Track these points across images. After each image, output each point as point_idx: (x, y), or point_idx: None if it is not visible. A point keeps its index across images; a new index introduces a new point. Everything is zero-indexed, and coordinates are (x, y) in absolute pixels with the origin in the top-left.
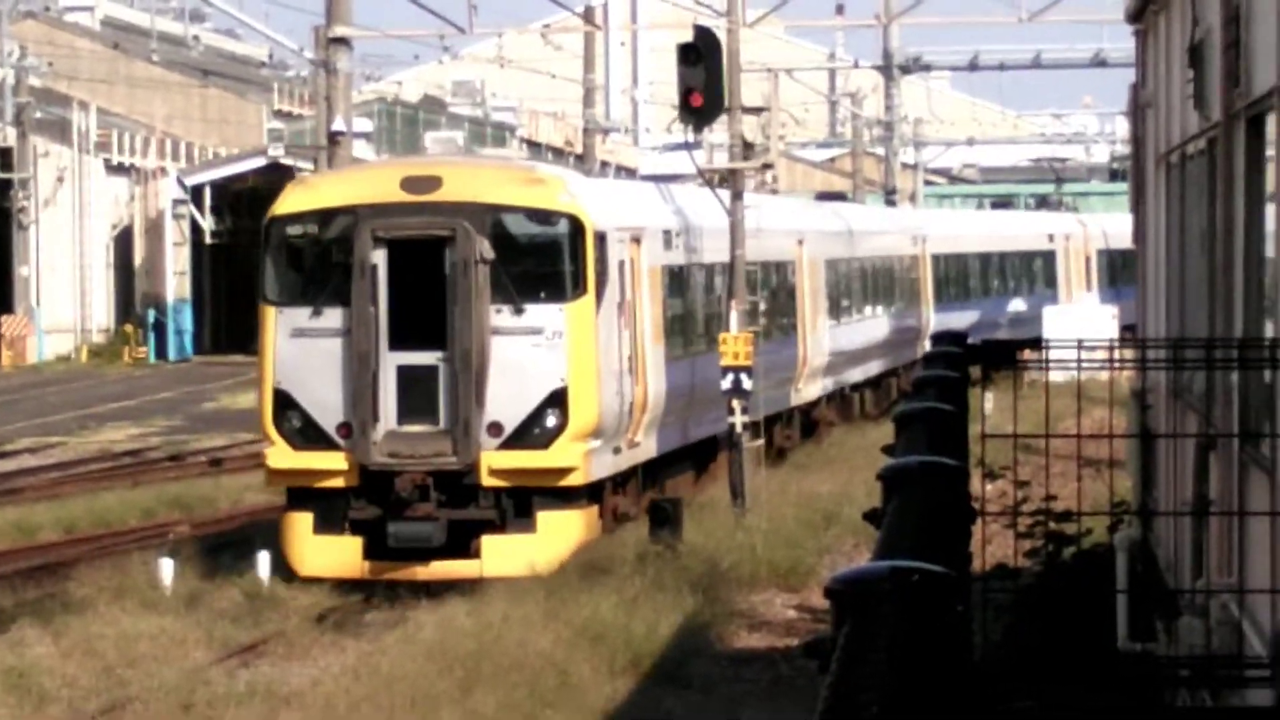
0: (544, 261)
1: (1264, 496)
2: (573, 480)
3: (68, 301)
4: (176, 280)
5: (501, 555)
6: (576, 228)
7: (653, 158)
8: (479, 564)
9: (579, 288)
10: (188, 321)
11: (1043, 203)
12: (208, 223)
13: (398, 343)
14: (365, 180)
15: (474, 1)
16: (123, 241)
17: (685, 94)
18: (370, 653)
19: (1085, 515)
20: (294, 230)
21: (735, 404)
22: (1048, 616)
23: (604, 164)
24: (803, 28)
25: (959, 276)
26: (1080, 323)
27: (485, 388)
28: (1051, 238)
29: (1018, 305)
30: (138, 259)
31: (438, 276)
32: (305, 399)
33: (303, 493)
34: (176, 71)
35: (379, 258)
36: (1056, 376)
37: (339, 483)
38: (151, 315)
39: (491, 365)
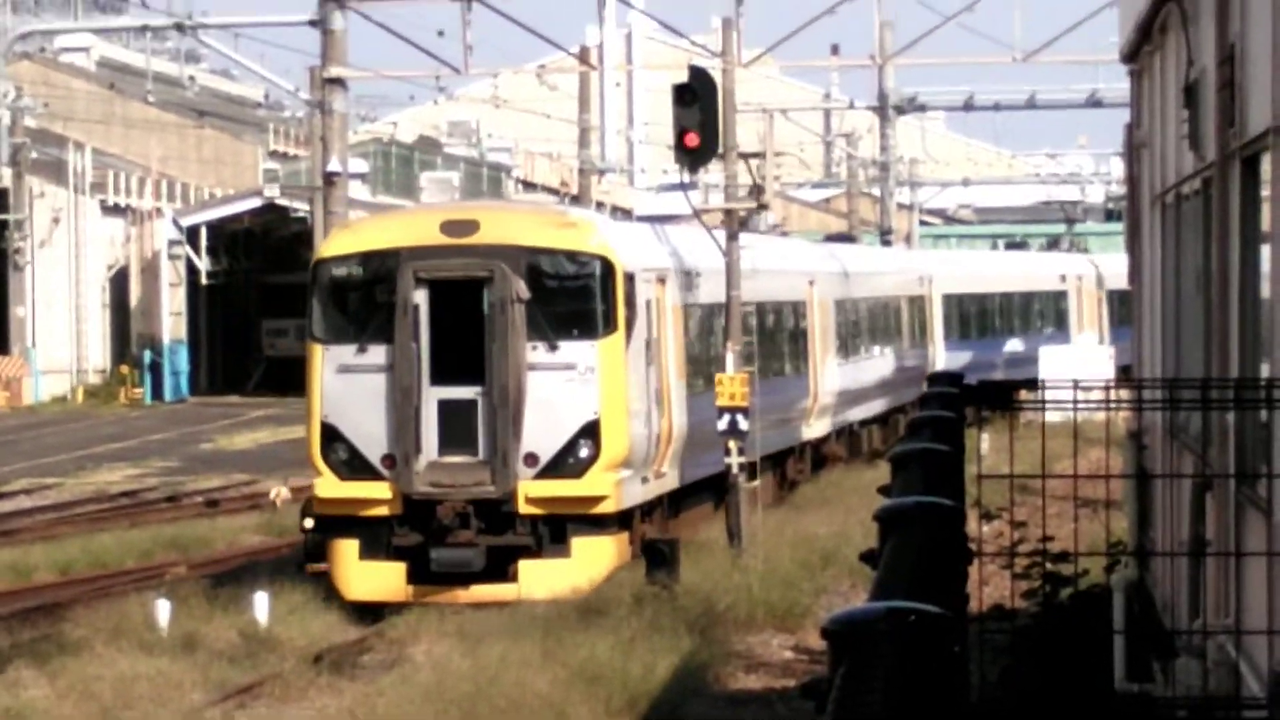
0: (577, 301)
1: (1260, 537)
2: (605, 508)
3: (63, 342)
4: (172, 321)
5: (538, 579)
6: (607, 269)
7: (648, 198)
8: (517, 587)
9: (610, 325)
10: (183, 362)
11: (1053, 244)
12: (203, 263)
13: (438, 378)
14: (407, 224)
15: (469, 42)
16: (118, 282)
17: (680, 134)
18: (367, 694)
19: (1082, 556)
20: (339, 271)
21: (731, 445)
22: (1045, 657)
23: (599, 204)
24: (798, 68)
25: (970, 316)
26: (1077, 363)
27: (522, 420)
28: (1064, 278)
29: (1014, 346)
30: (133, 300)
31: (476, 315)
32: (351, 432)
33: (348, 521)
34: (172, 112)
35: (420, 297)
36: (1053, 417)
37: (383, 511)
38: (147, 356)
39: (527, 399)
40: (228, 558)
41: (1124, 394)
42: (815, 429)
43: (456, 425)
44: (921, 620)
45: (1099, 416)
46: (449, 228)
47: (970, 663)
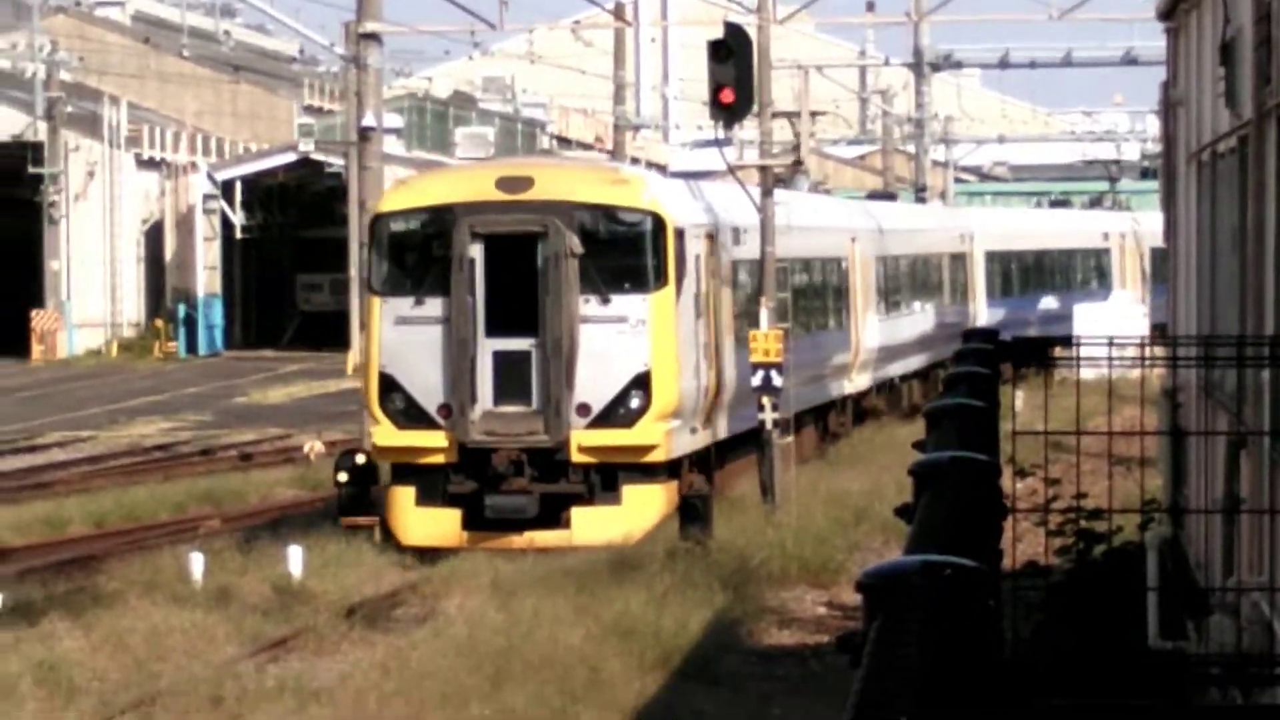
0: (628, 255)
1: None
2: (655, 457)
3: (98, 296)
4: (207, 275)
5: (590, 526)
6: (658, 224)
7: (683, 154)
8: (569, 534)
9: (660, 279)
10: (218, 316)
11: (1096, 202)
12: (238, 218)
13: (494, 330)
14: (463, 180)
15: None
16: (153, 236)
17: (716, 91)
18: (400, 648)
19: (1116, 513)
20: (397, 226)
21: (765, 401)
22: (1078, 614)
23: (634, 160)
24: (833, 25)
25: (1012, 273)
26: (1112, 320)
27: (574, 371)
28: (1106, 235)
29: (1056, 302)
30: (168, 254)
31: (530, 269)
32: (408, 382)
33: (405, 468)
34: (207, 66)
35: (476, 252)
36: (1087, 374)
37: (439, 459)
38: (182, 310)
39: (580, 351)
40: (261, 511)
41: (1159, 351)
42: (857, 383)
43: (511, 376)
44: (956, 574)
45: (1134, 374)
46: (504, 184)
47: (1003, 619)
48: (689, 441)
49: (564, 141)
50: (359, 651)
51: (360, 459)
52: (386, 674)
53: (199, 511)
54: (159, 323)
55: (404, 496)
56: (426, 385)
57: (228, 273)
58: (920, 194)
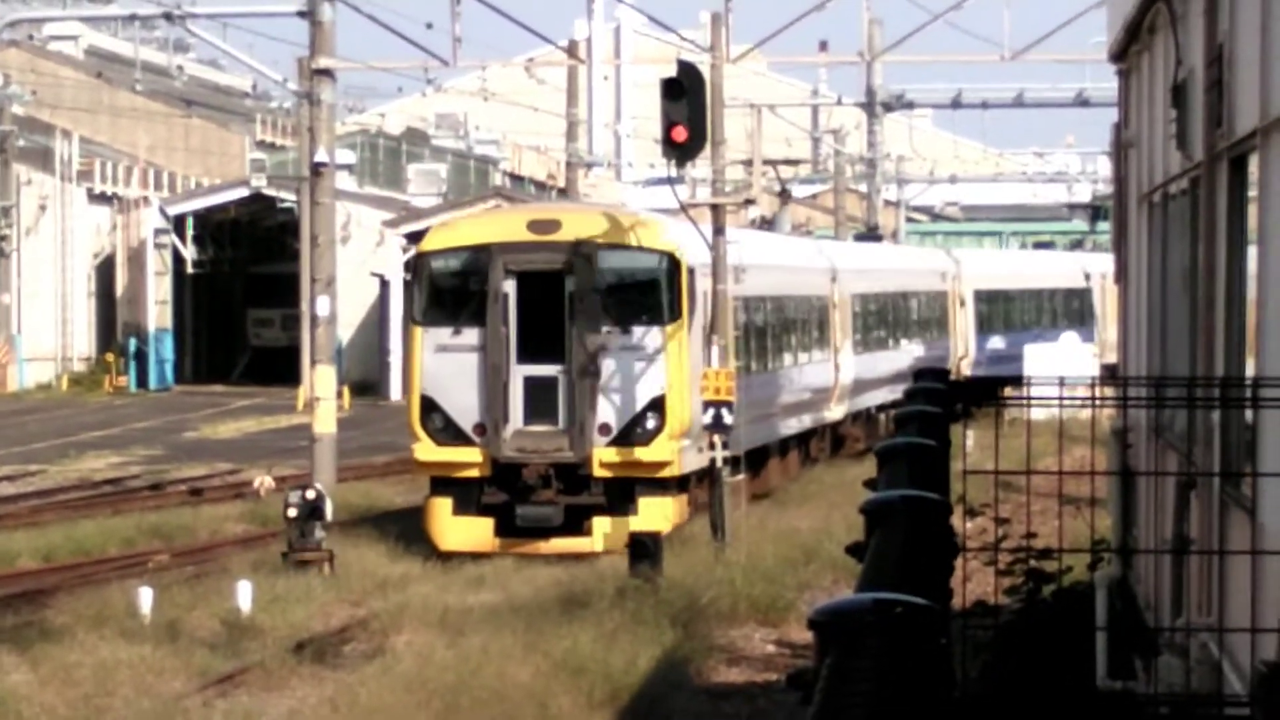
0: (646, 291)
1: (1244, 535)
2: (668, 472)
3: (49, 330)
4: (158, 310)
5: (609, 533)
6: (673, 264)
7: (635, 192)
8: (590, 541)
9: (674, 314)
10: (169, 351)
11: (1078, 243)
12: (190, 252)
13: (524, 357)
14: (497, 222)
15: (458, 35)
16: (104, 270)
17: (668, 129)
18: (349, 684)
19: (1065, 553)
20: (438, 264)
21: (715, 439)
22: (1027, 653)
23: (586, 198)
24: (786, 64)
25: (997, 311)
26: (1061, 360)
27: (597, 395)
28: (1088, 276)
29: (1042, 339)
30: (119, 288)
31: (558, 303)
32: (447, 403)
33: (443, 481)
34: (160, 101)
35: (509, 287)
36: (1038, 414)
37: (474, 473)
38: (133, 344)
39: (602, 377)
40: (210, 546)
41: (1109, 391)
42: (835, 412)
43: (540, 398)
44: (908, 612)
45: (1084, 414)
46: (535, 226)
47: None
48: (696, 459)
49: (516, 179)
50: (307, 687)
51: (310, 495)
52: (335, 710)
53: (148, 546)
54: (109, 357)
55: (442, 507)
56: (463, 406)
57: (179, 307)
58: (872, 233)
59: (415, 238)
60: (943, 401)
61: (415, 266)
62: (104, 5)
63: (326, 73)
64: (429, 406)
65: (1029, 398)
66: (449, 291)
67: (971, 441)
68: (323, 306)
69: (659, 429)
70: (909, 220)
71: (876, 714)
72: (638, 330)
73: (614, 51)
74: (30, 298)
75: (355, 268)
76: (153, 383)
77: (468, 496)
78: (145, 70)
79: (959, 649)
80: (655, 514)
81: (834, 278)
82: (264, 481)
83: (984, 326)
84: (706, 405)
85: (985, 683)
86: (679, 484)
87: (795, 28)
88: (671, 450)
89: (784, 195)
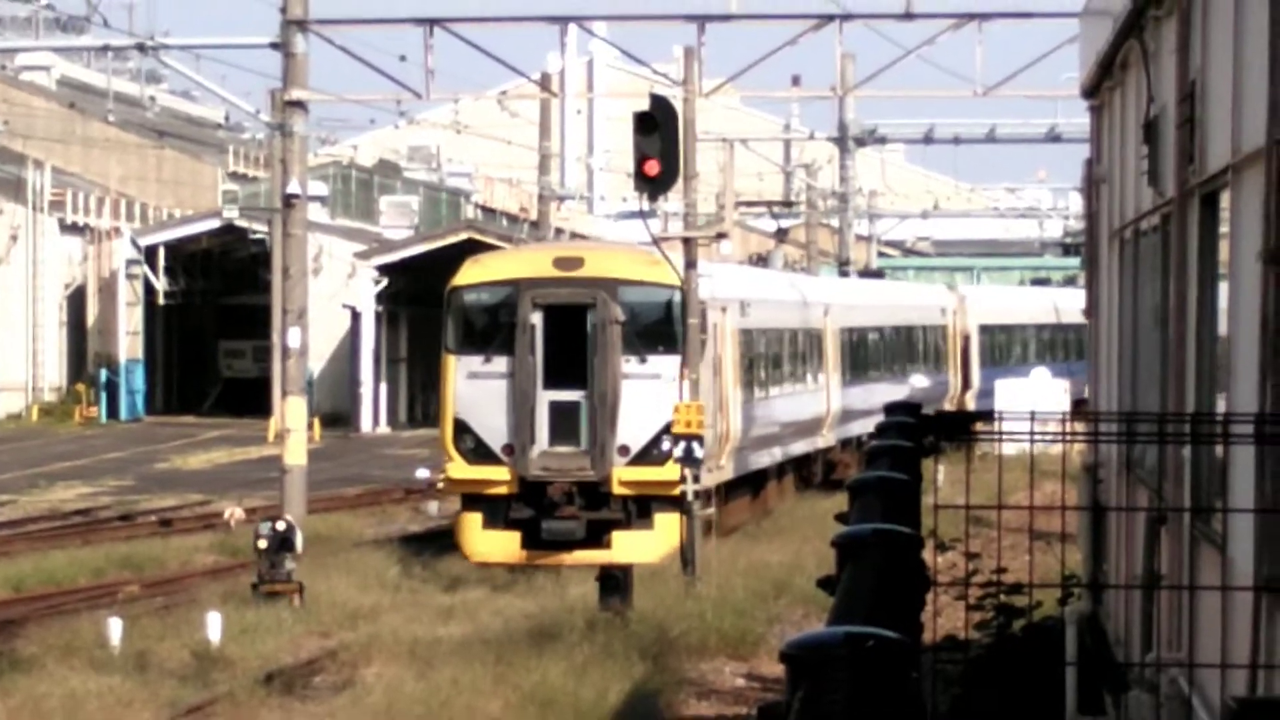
0: (662, 323)
1: (1214, 571)
2: (679, 490)
3: (19, 360)
4: (129, 340)
5: (627, 547)
6: (686, 298)
7: (607, 225)
8: (610, 553)
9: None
10: (140, 381)
11: (1072, 280)
12: (161, 283)
13: (550, 383)
14: (525, 259)
15: (431, 67)
16: (75, 301)
17: (640, 162)
18: (318, 715)
19: (1036, 588)
20: (470, 298)
21: (687, 472)
22: (997, 688)
23: (558, 231)
24: (759, 98)
25: (1000, 344)
26: (1032, 395)
27: (617, 419)
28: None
29: (1041, 372)
30: (90, 318)
31: (581, 334)
32: (478, 426)
33: (474, 498)
34: (132, 132)
35: (536, 319)
36: (1008, 449)
37: (503, 490)
38: (104, 375)
39: (622, 402)
40: (180, 577)
41: (1080, 427)
42: (828, 439)
43: (564, 422)
44: (880, 645)
45: (1055, 449)
46: (559, 263)
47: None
48: (707, 479)
49: (488, 211)
50: (276, 718)
51: (280, 526)
52: None
53: (118, 577)
54: (80, 387)
55: (473, 521)
56: (493, 428)
57: (150, 338)
58: (844, 268)
59: (387, 270)
60: (914, 436)
61: (448, 300)
62: (77, 36)
63: (299, 104)
64: (461, 428)
65: (1000, 433)
66: (480, 323)
67: (942, 476)
68: (294, 338)
69: (673, 450)
70: (881, 255)
71: None
72: (654, 359)
73: (587, 85)
74: (1, 327)
75: (327, 299)
76: (123, 413)
77: (496, 511)
78: (118, 101)
79: (929, 683)
80: (670, 529)
81: (826, 311)
82: (234, 513)
83: (989, 359)
84: (677, 438)
85: (955, 717)
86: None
87: (768, 62)
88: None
89: (779, 234)
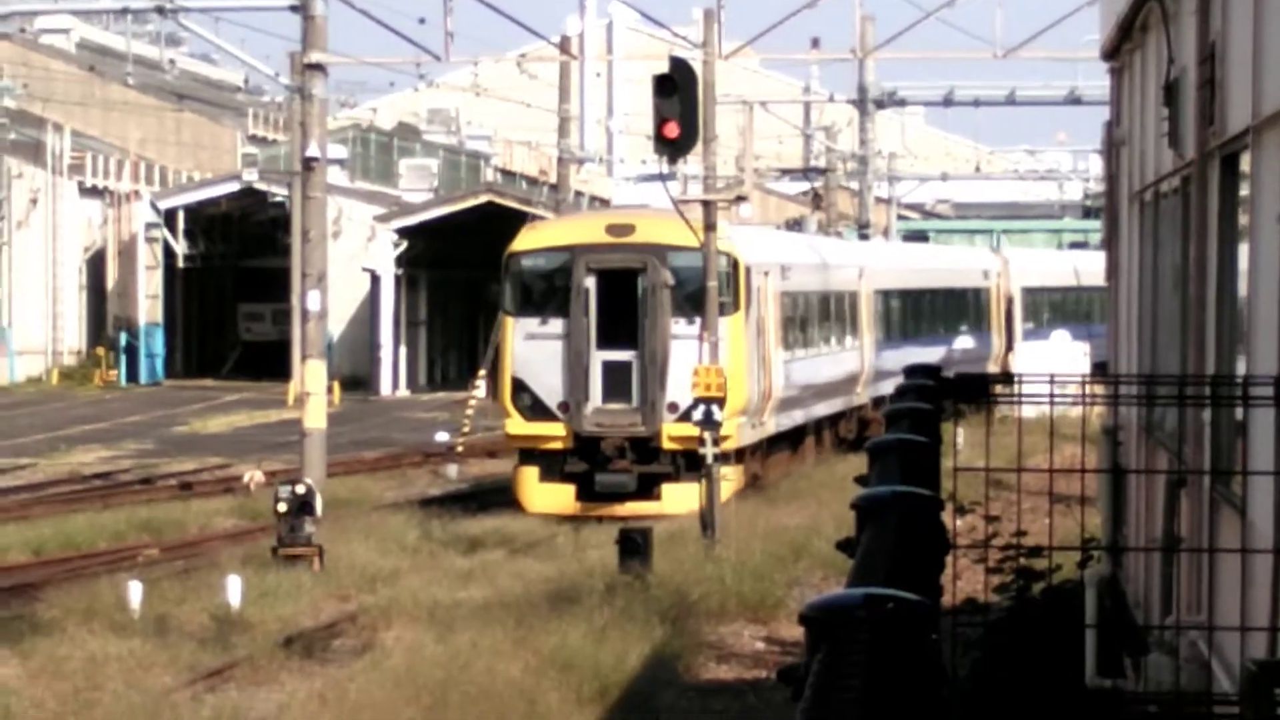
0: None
1: (1234, 534)
2: (729, 445)
3: (39, 323)
4: (148, 304)
5: (676, 498)
6: (733, 263)
7: (626, 188)
8: (660, 505)
9: (734, 306)
10: (159, 345)
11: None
12: (181, 247)
13: (603, 344)
14: (579, 226)
15: (450, 30)
16: (95, 264)
17: (660, 125)
18: (338, 679)
19: (1055, 551)
20: (528, 262)
21: (706, 435)
22: (1016, 651)
23: (578, 194)
24: (778, 61)
25: (1042, 305)
26: (1052, 358)
27: (666, 377)
28: None
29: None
30: (110, 282)
31: (632, 296)
32: (535, 384)
33: (531, 453)
34: (151, 95)
35: (590, 283)
36: (1028, 412)
37: (558, 445)
38: (123, 338)
39: (671, 361)
40: (200, 541)
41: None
42: (862, 397)
43: (616, 380)
44: (900, 607)
45: (1075, 412)
46: (612, 229)
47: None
48: (751, 434)
49: (508, 174)
50: (296, 682)
51: (300, 489)
52: (324, 705)
53: (138, 540)
54: (100, 351)
55: (530, 475)
56: (549, 387)
57: (169, 302)
58: (863, 230)
59: (406, 233)
60: (934, 398)
61: (506, 264)
62: None
63: (318, 67)
64: (519, 387)
65: (1019, 395)
66: (537, 287)
67: (962, 439)
68: (313, 301)
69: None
70: (900, 218)
71: (867, 709)
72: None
73: (606, 47)
74: (21, 291)
75: (346, 263)
76: (143, 377)
77: (552, 465)
78: (137, 64)
79: (948, 646)
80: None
81: (860, 274)
82: (254, 476)
83: (1032, 320)
84: (697, 401)
85: (974, 680)
86: (737, 456)
87: (787, 24)
88: (731, 425)
89: (814, 200)
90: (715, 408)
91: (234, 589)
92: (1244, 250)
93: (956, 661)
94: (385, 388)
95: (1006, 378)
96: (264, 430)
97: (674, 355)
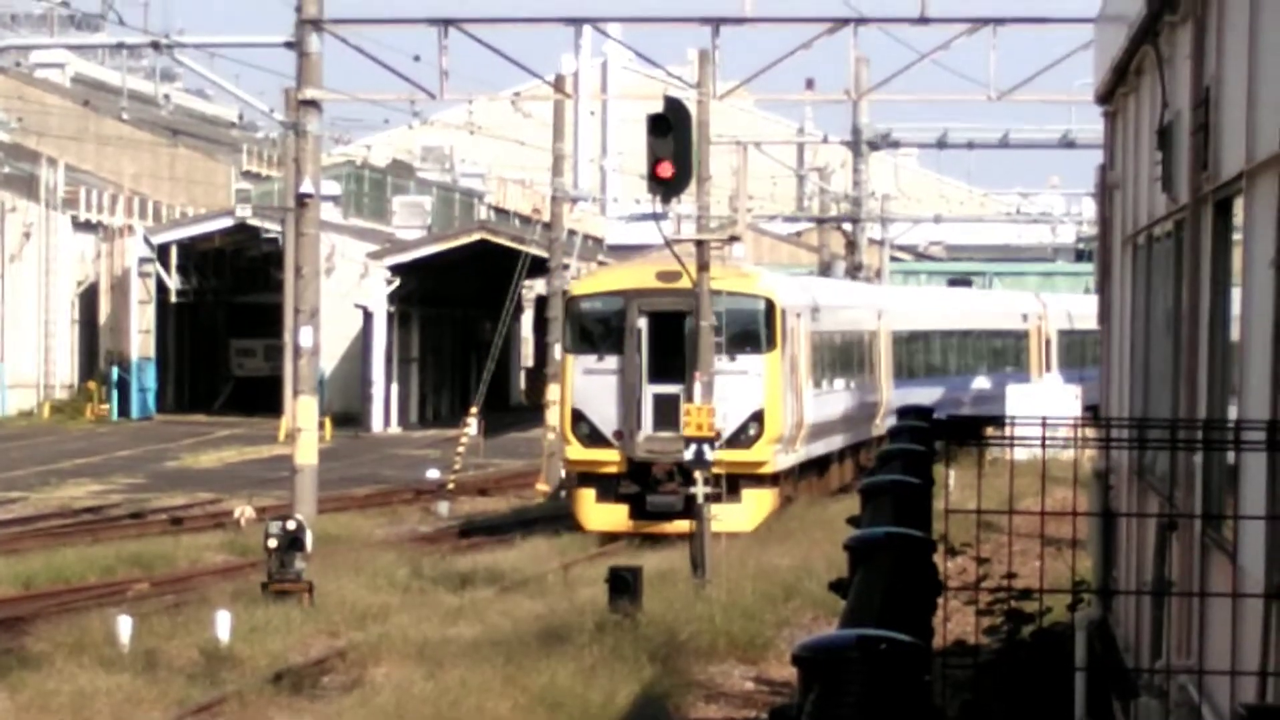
0: (749, 327)
1: (1224, 578)
2: (766, 469)
3: (31, 357)
4: (141, 338)
5: (721, 518)
6: (770, 306)
7: (619, 227)
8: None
9: (770, 345)
10: (151, 380)
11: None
12: (173, 281)
13: (653, 379)
14: (631, 273)
15: (445, 68)
16: (88, 298)
17: (654, 164)
18: (327, 715)
19: (1046, 593)
20: (585, 305)
21: (697, 474)
22: (1006, 694)
23: (571, 232)
24: (772, 101)
25: (1075, 346)
26: (1043, 401)
27: (711, 409)
28: None
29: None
30: (102, 316)
31: (680, 336)
32: (592, 414)
33: (588, 476)
34: (146, 130)
35: (642, 324)
36: (1020, 455)
37: (613, 469)
38: (115, 373)
39: (714, 394)
40: (190, 576)
41: (1091, 433)
42: (881, 428)
43: (666, 411)
44: (892, 649)
45: (1066, 455)
46: (662, 275)
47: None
48: (786, 460)
49: (501, 212)
50: (285, 718)
51: (290, 525)
52: None
53: (128, 575)
54: (92, 385)
55: (587, 496)
56: (605, 417)
57: (162, 336)
58: (856, 272)
59: (399, 270)
60: (926, 439)
61: (566, 307)
62: (91, 34)
63: (313, 104)
64: (578, 417)
65: (1011, 437)
66: (594, 328)
67: (953, 481)
68: (306, 337)
69: (759, 435)
70: (893, 259)
71: None
72: (742, 358)
73: (601, 86)
74: (13, 325)
75: (339, 299)
76: (135, 411)
77: (608, 488)
78: (132, 99)
79: (938, 688)
80: (756, 503)
81: (879, 316)
82: (244, 511)
83: (1066, 362)
84: (688, 441)
85: None
86: (773, 479)
87: (782, 66)
88: (769, 452)
89: (849, 246)
90: (706, 447)
91: (223, 624)
92: (1237, 295)
93: (946, 703)
94: (377, 424)
95: (997, 420)
96: (255, 466)
97: (717, 389)
